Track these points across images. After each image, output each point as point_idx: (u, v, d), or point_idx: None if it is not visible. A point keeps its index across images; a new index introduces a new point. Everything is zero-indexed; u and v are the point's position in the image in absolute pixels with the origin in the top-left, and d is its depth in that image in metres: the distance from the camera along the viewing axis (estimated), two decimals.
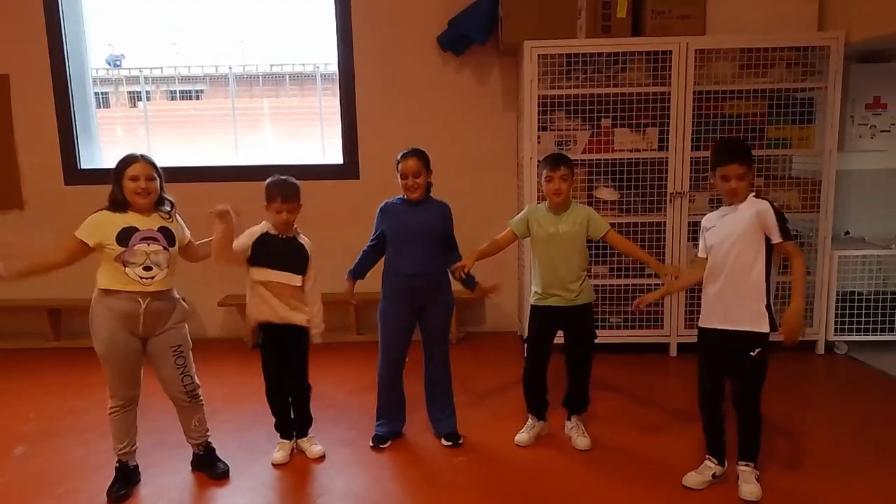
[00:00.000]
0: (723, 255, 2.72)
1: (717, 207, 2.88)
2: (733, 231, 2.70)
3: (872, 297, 4.49)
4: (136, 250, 2.72)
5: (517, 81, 4.82)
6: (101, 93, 5.44)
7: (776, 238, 2.64)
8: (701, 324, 2.86)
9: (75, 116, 5.06)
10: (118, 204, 2.77)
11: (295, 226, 3.12)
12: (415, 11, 4.86)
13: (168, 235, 2.81)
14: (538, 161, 4.22)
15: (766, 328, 2.70)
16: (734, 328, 2.72)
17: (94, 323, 2.78)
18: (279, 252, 3.04)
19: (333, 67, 5.09)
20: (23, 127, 5.02)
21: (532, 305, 3.27)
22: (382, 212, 3.23)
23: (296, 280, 3.07)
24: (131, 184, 2.74)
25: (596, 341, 3.28)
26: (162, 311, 2.82)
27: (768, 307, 2.70)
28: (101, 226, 2.73)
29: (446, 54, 4.89)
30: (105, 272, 2.76)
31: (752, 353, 2.70)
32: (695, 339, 2.93)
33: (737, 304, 2.71)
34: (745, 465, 2.80)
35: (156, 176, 2.80)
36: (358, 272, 3.30)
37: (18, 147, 5.04)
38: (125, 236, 2.71)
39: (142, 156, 2.81)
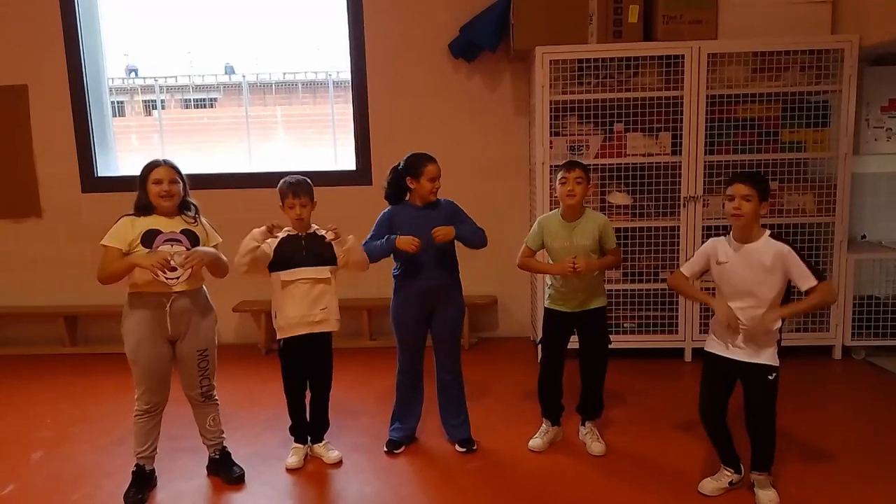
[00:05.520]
0: (740, 294, 2.64)
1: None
2: (754, 273, 2.61)
3: (890, 301, 4.44)
4: (159, 252, 2.76)
5: (528, 87, 4.82)
6: (117, 102, 5.50)
7: (810, 283, 2.54)
8: (708, 348, 2.80)
9: (92, 125, 5.11)
10: (143, 208, 2.85)
11: (313, 223, 3.15)
12: (426, 19, 4.89)
13: (192, 238, 2.86)
14: (552, 167, 4.24)
15: (775, 362, 2.65)
16: (745, 360, 2.66)
17: (123, 326, 2.86)
18: (304, 249, 3.08)
19: (345, 75, 5.12)
20: (41, 136, 5.09)
21: (546, 308, 3.26)
22: (392, 216, 3.19)
23: (324, 272, 3.09)
24: (155, 187, 2.81)
25: (610, 346, 3.26)
26: (188, 310, 2.87)
27: (778, 342, 2.67)
28: (125, 231, 2.80)
29: (458, 61, 4.91)
30: (132, 275, 2.81)
31: (769, 377, 2.65)
32: None
33: (750, 342, 2.64)
34: (759, 475, 2.76)
35: (178, 179, 2.88)
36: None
37: (36, 155, 5.10)
38: (149, 238, 2.78)
39: (164, 161, 2.89)
